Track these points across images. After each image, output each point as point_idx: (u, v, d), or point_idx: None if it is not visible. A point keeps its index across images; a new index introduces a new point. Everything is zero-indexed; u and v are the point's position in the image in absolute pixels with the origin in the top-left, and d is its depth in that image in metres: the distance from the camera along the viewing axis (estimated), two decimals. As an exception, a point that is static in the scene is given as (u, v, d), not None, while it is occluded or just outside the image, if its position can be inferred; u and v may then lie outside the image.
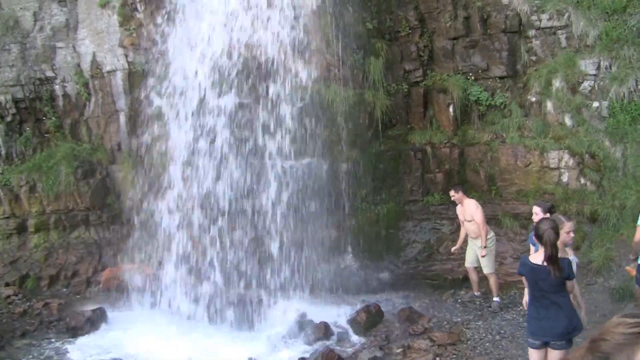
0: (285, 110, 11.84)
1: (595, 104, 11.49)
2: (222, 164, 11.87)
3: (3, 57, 13.84)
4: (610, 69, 11.39)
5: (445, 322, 10.30)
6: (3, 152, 13.83)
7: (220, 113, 12.00)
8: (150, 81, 12.99)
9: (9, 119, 13.86)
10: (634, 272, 8.19)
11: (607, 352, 2.07)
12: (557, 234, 6.07)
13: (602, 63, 11.49)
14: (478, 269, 10.73)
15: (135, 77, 13.40)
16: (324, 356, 8.94)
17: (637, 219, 8.22)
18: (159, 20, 13.10)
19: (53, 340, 10.88)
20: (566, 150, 11.70)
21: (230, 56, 12.06)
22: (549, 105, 12.13)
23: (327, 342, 9.96)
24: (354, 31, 12.46)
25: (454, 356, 9.00)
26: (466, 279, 11.23)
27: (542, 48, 12.42)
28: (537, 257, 6.29)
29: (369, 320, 10.44)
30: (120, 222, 13.54)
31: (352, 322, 10.49)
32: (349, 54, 12.39)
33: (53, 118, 14.13)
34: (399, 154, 12.98)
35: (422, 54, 13.11)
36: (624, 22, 11.30)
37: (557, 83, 11.94)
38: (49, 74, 14.04)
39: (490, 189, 12.54)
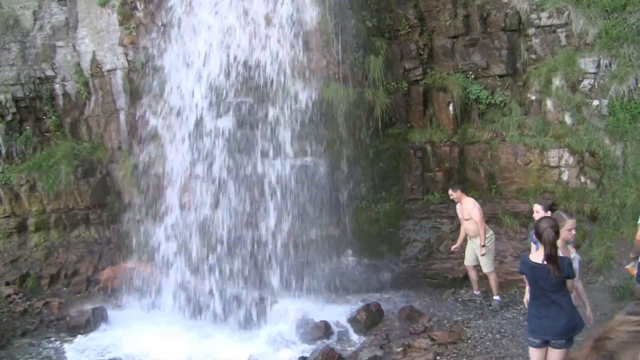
0: (285, 137, 11.66)
1: (595, 102, 11.48)
2: (220, 190, 11.64)
3: (3, 56, 13.84)
4: (610, 67, 11.38)
5: (445, 321, 10.30)
6: (3, 151, 13.83)
7: (218, 135, 11.78)
8: (146, 100, 12.83)
9: (9, 118, 13.86)
10: (634, 271, 8.19)
11: (612, 350, 2.05)
12: (557, 233, 6.06)
13: (602, 61, 11.48)
14: (477, 268, 10.73)
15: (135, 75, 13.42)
16: (325, 355, 8.94)
17: (638, 217, 8.22)
18: (153, 34, 12.93)
19: (53, 339, 10.90)
20: (566, 149, 11.70)
21: (227, 75, 11.82)
22: (549, 103, 12.13)
23: (328, 341, 9.96)
24: (354, 30, 12.45)
25: (455, 355, 9.00)
26: (466, 277, 11.23)
27: (542, 46, 12.40)
28: (537, 255, 6.28)
29: (370, 319, 10.44)
30: (120, 221, 13.54)
31: (353, 321, 10.49)
32: (348, 53, 12.39)
33: (53, 117, 14.14)
34: (399, 152, 12.98)
35: (422, 53, 13.11)
36: (624, 20, 11.28)
37: (557, 81, 11.93)
38: (49, 73, 14.05)
39: (490, 187, 12.54)
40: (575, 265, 6.77)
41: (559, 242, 6.40)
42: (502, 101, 12.66)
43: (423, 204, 12.85)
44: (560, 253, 6.36)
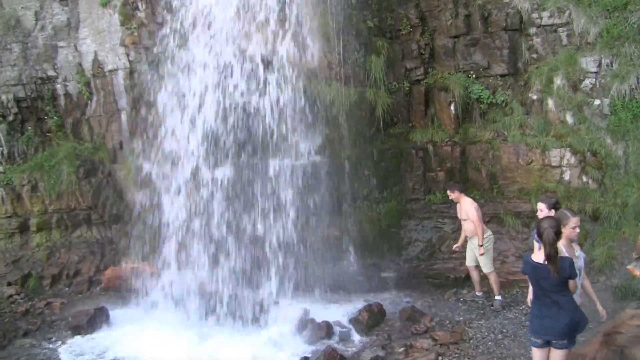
0: (287, 195, 11.36)
1: (597, 102, 11.47)
2: (219, 248, 11.33)
3: (5, 57, 13.85)
4: (612, 66, 11.37)
5: (447, 321, 10.29)
6: (5, 152, 13.84)
7: (216, 188, 11.43)
8: (139, 144, 12.61)
9: (10, 118, 13.86)
10: (635, 272, 8.18)
11: (622, 345, 2.03)
12: (558, 234, 6.05)
13: (603, 60, 11.47)
14: (479, 268, 10.72)
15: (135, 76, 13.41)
16: (326, 356, 8.93)
17: (640, 217, 8.22)
18: (143, 67, 12.72)
19: (54, 339, 10.88)
20: (568, 148, 11.70)
21: (225, 120, 11.42)
22: (550, 103, 12.12)
23: (329, 342, 9.93)
24: (355, 29, 12.44)
25: (456, 355, 8.99)
26: (468, 277, 11.22)
27: (543, 46, 12.40)
28: (539, 255, 6.28)
29: (371, 320, 10.43)
30: (122, 221, 13.54)
31: (354, 321, 10.47)
32: (350, 53, 12.38)
33: (55, 117, 14.15)
34: (400, 152, 12.98)
35: (423, 52, 13.11)
36: (625, 19, 11.27)
37: (558, 81, 11.93)
38: (51, 73, 14.06)
39: (492, 187, 12.55)
40: (581, 263, 6.78)
41: (563, 241, 6.41)
42: (503, 101, 12.66)
43: (425, 204, 12.86)
44: (564, 252, 6.37)
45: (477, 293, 11.00)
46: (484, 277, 10.80)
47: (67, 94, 14.19)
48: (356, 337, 10.21)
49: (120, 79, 13.66)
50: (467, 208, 10.49)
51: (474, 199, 11.18)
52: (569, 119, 11.88)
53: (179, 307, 11.35)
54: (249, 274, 11.29)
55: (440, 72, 13.09)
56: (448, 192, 10.87)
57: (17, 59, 13.89)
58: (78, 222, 13.83)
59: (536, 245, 7.42)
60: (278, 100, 11.38)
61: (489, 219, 11.87)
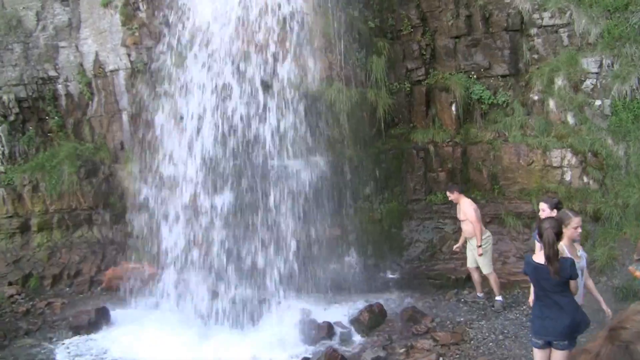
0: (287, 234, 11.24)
1: (598, 102, 11.46)
2: (218, 280, 11.16)
3: (6, 57, 13.87)
4: (613, 67, 11.36)
5: (448, 322, 10.29)
6: (6, 152, 13.86)
7: (215, 216, 11.25)
8: (136, 168, 12.53)
9: (12, 118, 13.88)
10: (636, 273, 8.17)
11: (628, 340, 2.00)
12: (558, 234, 6.05)
13: (604, 61, 11.46)
14: (480, 269, 10.72)
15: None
16: (327, 356, 8.94)
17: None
18: (140, 87, 12.55)
19: (55, 339, 10.89)
20: (569, 149, 11.69)
21: (224, 145, 11.23)
22: (552, 103, 12.11)
23: (330, 342, 9.95)
24: (356, 30, 12.44)
25: (457, 356, 8.99)
26: (469, 278, 11.21)
27: (544, 46, 12.39)
28: (540, 256, 6.27)
29: (372, 320, 10.42)
30: (123, 222, 13.55)
31: (355, 321, 10.47)
32: (351, 53, 12.38)
33: (56, 117, 14.17)
34: (401, 152, 12.98)
35: (425, 53, 13.11)
36: (626, 19, 11.26)
37: (559, 81, 11.92)
38: (52, 73, 14.07)
39: (493, 187, 12.54)
40: (583, 263, 6.78)
41: (566, 241, 6.41)
42: (504, 101, 12.66)
43: (426, 205, 12.85)
44: (566, 252, 6.37)
45: (478, 294, 11.00)
46: (485, 278, 10.79)
47: (68, 94, 14.21)
48: (357, 338, 10.21)
49: (121, 79, 13.67)
50: (465, 208, 10.50)
51: (474, 199, 11.18)
52: (570, 119, 11.88)
53: (179, 308, 11.35)
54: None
55: (441, 72, 13.09)
56: (447, 193, 10.89)
57: (18, 59, 13.90)
58: (79, 222, 13.85)
59: (537, 245, 7.41)
60: (278, 127, 11.25)
61: (490, 219, 11.87)
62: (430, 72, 13.19)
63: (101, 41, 13.81)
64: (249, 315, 10.95)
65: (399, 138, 13.08)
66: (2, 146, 13.82)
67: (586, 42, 11.72)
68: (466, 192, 11.00)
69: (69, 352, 10.36)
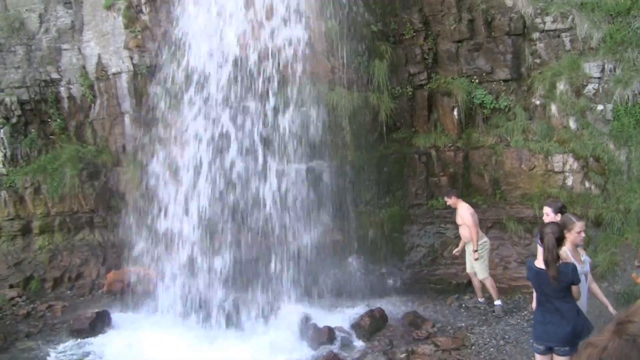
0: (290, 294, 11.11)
1: (600, 107, 11.44)
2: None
3: (9, 59, 13.89)
4: (615, 71, 11.34)
5: (449, 327, 10.27)
6: (8, 154, 13.87)
7: (213, 279, 11.05)
8: (130, 218, 12.30)
9: (14, 120, 13.90)
10: (638, 280, 8.16)
11: (635, 334, 1.98)
12: (560, 239, 6.03)
13: (606, 66, 11.45)
14: (479, 275, 10.72)
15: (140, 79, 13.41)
16: (328, 360, 8.93)
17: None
18: (134, 129, 12.24)
19: (55, 342, 10.88)
20: (570, 154, 11.67)
21: (221, 200, 11.01)
22: (553, 108, 12.10)
23: (331, 347, 9.92)
24: (359, 34, 12.44)
25: (458, 361, 8.99)
26: (470, 283, 11.20)
27: (547, 51, 12.38)
28: (541, 261, 6.26)
29: (373, 325, 10.41)
30: (124, 225, 13.54)
31: (356, 326, 10.45)
32: (353, 57, 12.37)
33: (58, 120, 14.19)
34: (403, 157, 12.95)
35: (427, 57, 13.09)
36: (628, 24, 11.26)
37: (561, 86, 11.90)
38: (54, 75, 14.09)
39: (494, 192, 12.51)
40: (586, 268, 6.77)
41: (569, 245, 6.40)
42: (506, 106, 12.64)
43: (427, 209, 12.83)
44: (570, 257, 6.35)
45: (479, 299, 10.98)
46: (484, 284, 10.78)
47: (70, 97, 14.23)
48: (358, 343, 10.19)
49: (123, 81, 13.67)
50: (462, 213, 10.51)
51: (476, 204, 11.17)
52: (572, 124, 11.86)
53: (180, 311, 11.34)
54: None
55: (443, 76, 13.07)
56: (445, 198, 10.94)
57: (21, 62, 13.93)
58: (80, 225, 13.85)
59: (540, 250, 7.40)
60: (279, 188, 11.12)
61: (491, 224, 11.85)
62: (433, 77, 13.17)
63: (104, 44, 13.83)
64: (250, 320, 10.94)
65: (400, 142, 13.06)
66: (4, 148, 13.85)
67: (588, 46, 11.71)
68: (468, 197, 11.01)
69: (64, 356, 10.34)
